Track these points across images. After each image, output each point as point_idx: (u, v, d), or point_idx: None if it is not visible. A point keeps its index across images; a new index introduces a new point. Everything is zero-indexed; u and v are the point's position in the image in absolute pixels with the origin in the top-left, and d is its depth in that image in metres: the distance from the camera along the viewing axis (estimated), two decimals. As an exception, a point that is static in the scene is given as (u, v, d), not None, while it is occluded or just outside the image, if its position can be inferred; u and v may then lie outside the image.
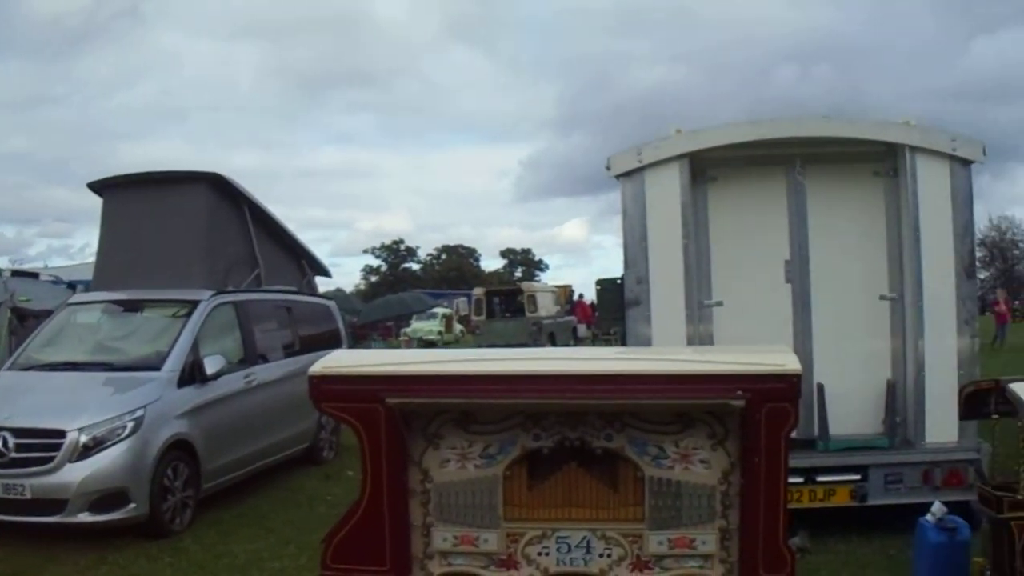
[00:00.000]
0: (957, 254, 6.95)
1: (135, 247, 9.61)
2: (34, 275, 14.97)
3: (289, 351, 10.14)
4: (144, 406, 7.76)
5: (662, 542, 4.59)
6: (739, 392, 4.35)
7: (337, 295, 31.89)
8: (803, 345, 7.36)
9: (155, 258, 9.39)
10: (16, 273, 13.99)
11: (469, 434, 4.80)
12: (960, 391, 5.39)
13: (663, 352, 5.06)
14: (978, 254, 57.74)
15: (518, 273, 75.43)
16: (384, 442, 4.74)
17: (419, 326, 33.03)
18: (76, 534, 7.58)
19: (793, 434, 7.14)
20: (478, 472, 4.78)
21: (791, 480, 6.85)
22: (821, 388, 7.25)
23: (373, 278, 74.26)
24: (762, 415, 4.42)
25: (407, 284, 59.25)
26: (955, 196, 6.96)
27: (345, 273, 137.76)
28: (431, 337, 29.17)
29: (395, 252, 76.61)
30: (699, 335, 7.36)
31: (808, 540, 7.09)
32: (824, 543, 7.04)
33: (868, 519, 7.19)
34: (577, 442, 4.69)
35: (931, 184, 6.93)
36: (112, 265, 9.75)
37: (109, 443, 7.56)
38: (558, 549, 4.71)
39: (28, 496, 7.39)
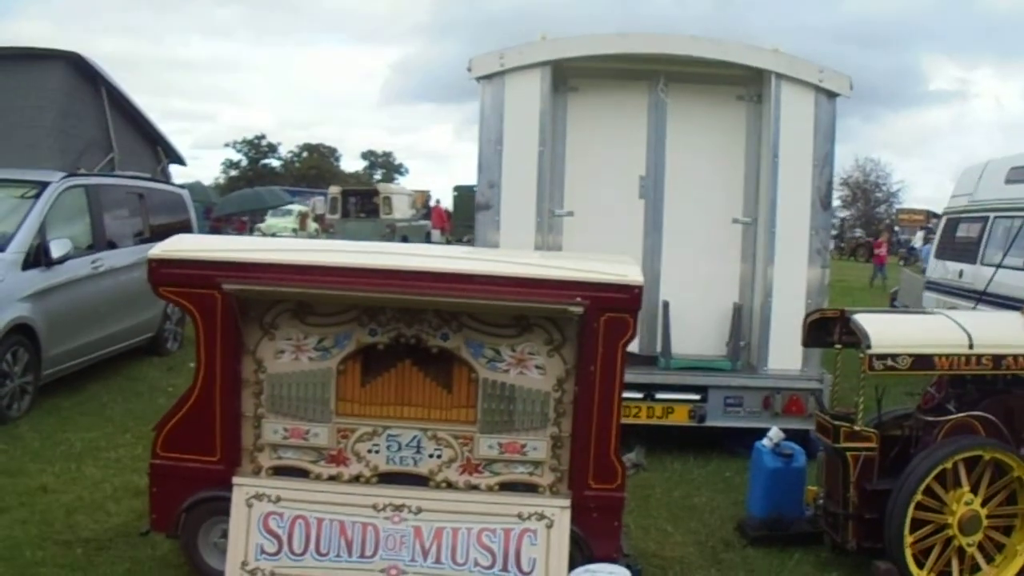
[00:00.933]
0: (814, 184, 7.07)
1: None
2: None
3: (139, 238, 9.73)
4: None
5: (492, 446, 4.60)
6: (578, 299, 4.34)
7: (194, 186, 30.89)
8: (652, 262, 7.45)
9: (6, 136, 8.89)
10: None
11: (305, 326, 4.69)
12: (805, 318, 5.46)
13: (506, 254, 5.01)
14: (841, 193, 58.83)
15: (378, 176, 74.83)
16: (219, 330, 4.62)
17: (274, 222, 32.42)
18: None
19: (636, 349, 7.41)
20: (312, 365, 4.68)
21: (630, 396, 7.05)
22: (666, 306, 7.36)
23: (233, 172, 72.65)
24: (600, 324, 4.43)
25: (266, 180, 58.02)
26: (817, 127, 7.07)
27: (205, 166, 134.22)
28: (286, 234, 28.67)
29: (256, 147, 74.90)
30: (548, 245, 7.36)
31: (644, 456, 7.21)
32: (661, 461, 7.17)
33: (709, 442, 7.35)
34: (413, 340, 4.63)
35: (794, 113, 7.01)
36: None
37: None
38: (388, 447, 4.67)
39: None
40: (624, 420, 7.02)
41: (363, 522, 4.52)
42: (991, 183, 9.76)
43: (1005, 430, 4.96)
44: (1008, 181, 9.44)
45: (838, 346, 5.35)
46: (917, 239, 42.55)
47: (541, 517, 4.47)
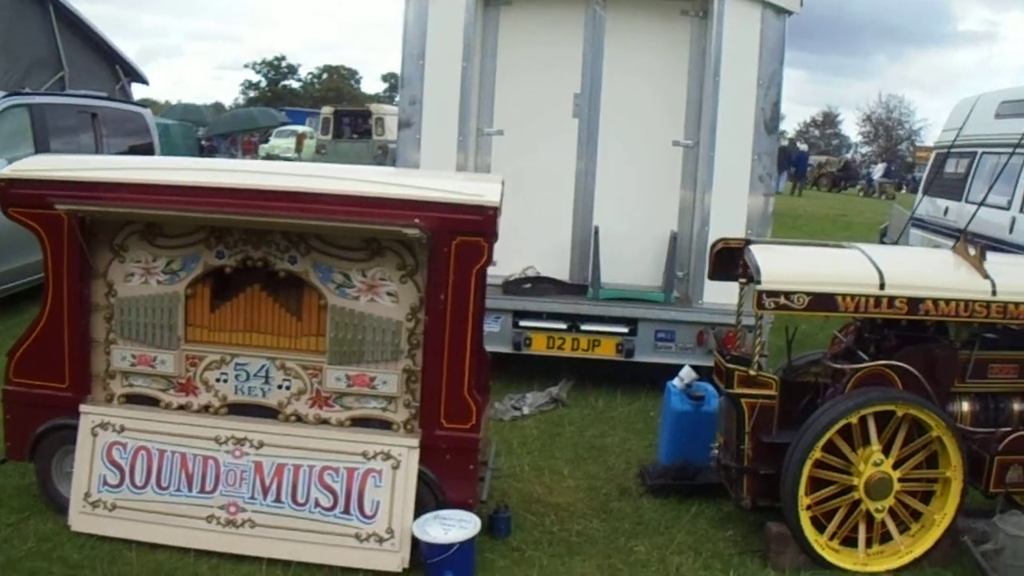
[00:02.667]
0: (759, 106, 6.58)
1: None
2: None
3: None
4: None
5: (340, 378, 4.34)
6: (416, 220, 4.02)
7: (187, 107, 30.71)
8: (585, 185, 7.08)
9: None
10: None
11: (154, 247, 4.46)
12: (711, 247, 5.01)
13: (354, 172, 4.66)
14: (863, 128, 58.05)
15: (398, 98, 74.48)
16: (66, 252, 4.41)
17: (276, 143, 32.17)
18: None
19: (566, 277, 7.07)
20: (160, 288, 4.45)
21: (554, 326, 6.74)
22: (596, 231, 6.98)
23: (252, 93, 72.22)
24: (452, 249, 4.11)
25: (284, 102, 57.71)
26: (764, 45, 6.55)
27: (226, 88, 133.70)
28: (287, 155, 28.39)
29: (276, 69, 74.14)
30: (476, 165, 7.02)
31: (567, 391, 6.94)
32: (584, 397, 6.89)
33: (641, 378, 6.98)
34: (260, 263, 4.36)
35: (738, 28, 6.51)
36: None
37: None
38: (236, 376, 4.44)
39: None
40: (548, 352, 6.90)
41: (204, 455, 4.31)
42: (981, 117, 9.10)
43: (926, 383, 4.38)
44: (998, 116, 8.79)
45: (743, 280, 4.93)
46: (877, 171, 43.45)
47: (387, 457, 4.22)
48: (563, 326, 6.80)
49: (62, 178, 4.41)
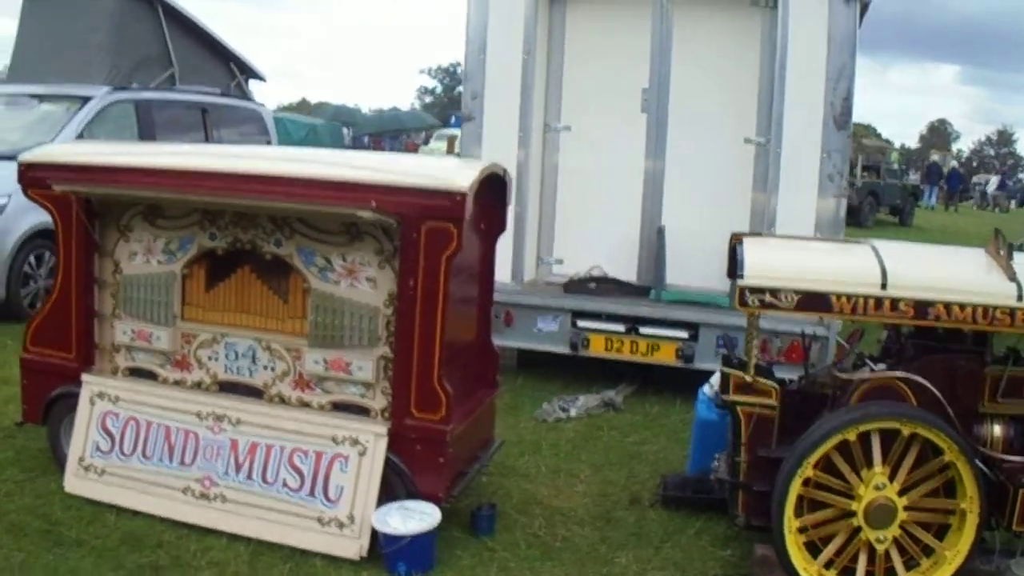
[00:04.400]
0: (827, 101, 6.16)
1: (48, 42, 9.57)
2: None
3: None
4: (9, 195, 7.69)
5: (319, 362, 4.33)
6: (373, 203, 3.95)
7: (339, 108, 31.63)
8: (653, 183, 6.81)
9: (59, 56, 9.31)
10: None
11: (155, 228, 4.60)
12: (729, 243, 4.65)
13: (334, 157, 4.64)
14: None
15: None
16: (74, 230, 4.62)
17: (436, 145, 32.88)
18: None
19: (633, 278, 6.81)
20: (159, 268, 4.60)
21: (612, 328, 6.52)
22: (661, 231, 6.71)
23: (428, 99, 73.67)
24: (421, 234, 4.03)
25: (457, 107, 58.73)
26: (832, 35, 6.11)
27: (400, 91, 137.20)
28: (439, 155, 29.26)
29: (451, 75, 75.38)
30: (543, 161, 6.93)
31: (624, 396, 6.69)
32: (641, 403, 6.61)
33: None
34: (248, 245, 4.41)
35: (804, 18, 6.11)
36: (26, 59, 9.80)
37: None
38: (226, 355, 4.52)
39: None
40: (606, 354, 6.68)
41: (186, 429, 4.40)
42: None
43: (944, 401, 3.89)
44: None
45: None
46: (991, 184, 40.54)
47: (355, 443, 4.17)
48: (622, 328, 6.58)
49: (66, 162, 4.67)
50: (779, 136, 6.26)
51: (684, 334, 6.49)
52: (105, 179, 4.43)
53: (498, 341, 6.83)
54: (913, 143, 72.54)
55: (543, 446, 5.69)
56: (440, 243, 4.02)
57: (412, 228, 4.03)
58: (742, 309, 3.95)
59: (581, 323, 6.69)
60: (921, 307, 3.79)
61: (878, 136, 47.72)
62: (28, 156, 4.76)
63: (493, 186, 4.59)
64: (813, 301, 3.86)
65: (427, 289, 4.06)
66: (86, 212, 4.58)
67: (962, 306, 3.77)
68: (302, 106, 53.67)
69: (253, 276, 4.46)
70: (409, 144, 30.98)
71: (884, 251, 4.05)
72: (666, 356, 6.55)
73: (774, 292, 3.86)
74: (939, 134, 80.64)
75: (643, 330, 6.55)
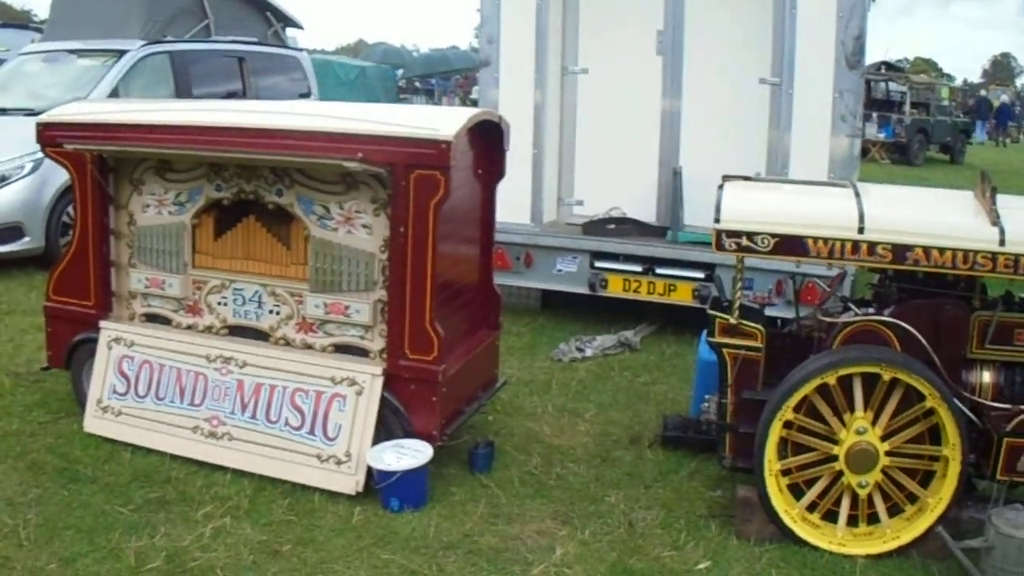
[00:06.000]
0: (839, 39, 6.09)
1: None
2: (23, 26, 15.17)
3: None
4: (46, 149, 7.99)
5: (319, 306, 4.50)
6: (359, 154, 4.08)
7: (387, 49, 31.53)
8: (670, 125, 6.83)
9: (99, 9, 9.53)
10: (5, 25, 14.19)
11: (166, 182, 4.80)
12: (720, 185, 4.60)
13: (326, 108, 4.76)
14: None
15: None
16: (89, 185, 4.83)
17: None
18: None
19: (652, 219, 6.85)
20: (170, 219, 4.79)
21: (629, 268, 6.60)
22: (678, 173, 6.73)
23: None
24: (410, 182, 4.15)
25: None
26: None
27: (458, 30, 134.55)
28: None
29: None
30: (561, 104, 6.98)
31: (641, 337, 6.78)
32: (658, 344, 6.70)
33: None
34: (252, 196, 4.57)
35: None
36: (64, 16, 10.06)
37: (8, 181, 8.04)
38: (234, 300, 4.72)
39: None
40: (624, 295, 6.77)
41: (196, 371, 4.61)
42: None
43: (928, 346, 3.87)
44: None
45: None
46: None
47: (352, 383, 4.34)
48: (639, 269, 6.66)
49: (77, 121, 4.87)
50: (791, 76, 6.23)
51: (700, 275, 6.54)
52: (112, 136, 4.63)
53: (518, 282, 7.06)
54: (976, 78, 70.07)
55: (553, 386, 5.82)
56: (428, 191, 4.13)
57: (400, 177, 4.14)
58: (719, 252, 3.99)
59: (599, 264, 6.80)
60: (899, 251, 3.78)
61: (939, 71, 46.14)
62: (44, 117, 5.00)
63: (489, 133, 4.68)
64: (789, 245, 3.88)
65: (417, 235, 4.19)
66: (100, 168, 4.79)
67: (941, 250, 3.75)
68: (359, 47, 53.64)
69: (258, 225, 4.63)
70: (462, 83, 30.88)
71: (865, 194, 4.05)
72: (683, 297, 6.63)
73: (751, 235, 3.89)
74: (1002, 68, 77.90)
75: (660, 271, 6.63)
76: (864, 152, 18.93)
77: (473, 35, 73.25)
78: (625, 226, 6.96)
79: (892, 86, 25.43)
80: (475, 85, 32.72)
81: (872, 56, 23.01)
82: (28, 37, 12.01)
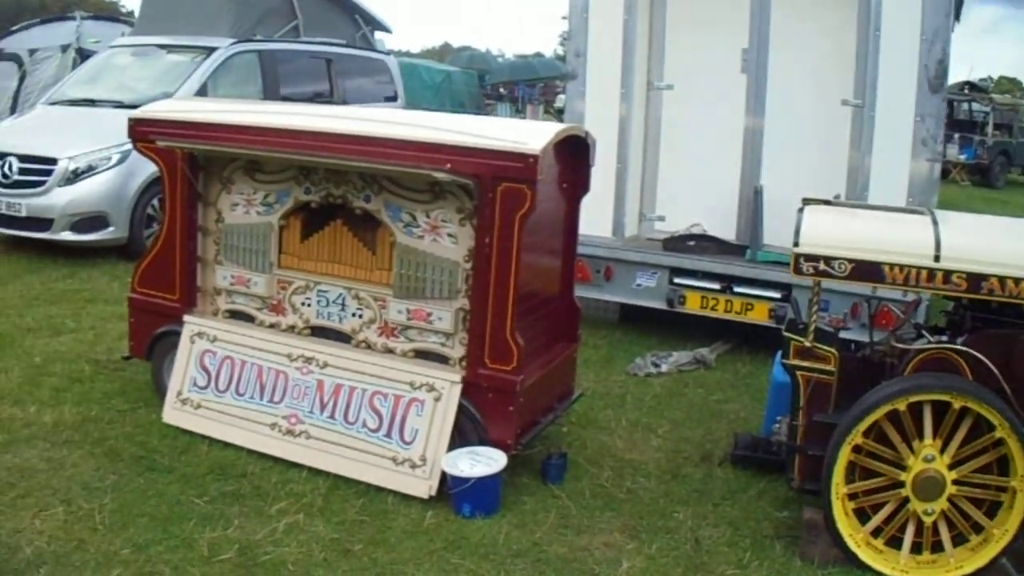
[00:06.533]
0: (922, 62, 6.03)
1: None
2: (113, 19, 15.50)
3: (323, 102, 10.20)
4: (133, 142, 8.24)
5: (402, 311, 4.57)
6: (448, 165, 4.15)
7: (474, 54, 31.66)
8: (752, 142, 6.80)
9: (189, 5, 9.77)
10: (96, 17, 14.54)
11: (255, 182, 4.91)
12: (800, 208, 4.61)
13: (420, 119, 4.80)
14: None
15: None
16: (179, 182, 4.98)
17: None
18: (62, 250, 8.44)
19: (732, 237, 6.83)
20: (258, 219, 4.90)
21: (707, 286, 6.62)
22: (759, 191, 6.70)
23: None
24: (496, 195, 4.21)
25: None
26: None
27: (543, 38, 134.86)
28: None
29: None
30: (646, 119, 7.02)
31: (718, 354, 6.76)
32: (733, 362, 6.68)
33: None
34: (340, 200, 4.67)
35: None
36: (154, 11, 10.29)
37: (95, 172, 8.27)
38: (318, 302, 4.81)
39: (24, 214, 8.35)
40: (701, 312, 6.79)
41: (277, 369, 4.72)
42: None
43: (1000, 376, 3.82)
44: None
45: None
46: None
47: (431, 389, 4.41)
48: (717, 286, 6.67)
49: (169, 118, 5.00)
50: (873, 99, 6.19)
51: (777, 295, 6.52)
52: (204, 135, 4.75)
53: (597, 295, 7.11)
54: (1071, 99, 68.20)
55: (628, 400, 5.84)
56: (514, 203, 4.18)
57: (487, 188, 4.20)
58: (796, 276, 4.00)
59: (678, 280, 6.82)
60: (974, 280, 3.76)
61: (1024, 91, 44.92)
62: (136, 112, 5.13)
63: (575, 147, 4.72)
64: (866, 270, 3.88)
65: (502, 246, 4.24)
66: (190, 165, 4.92)
67: (1017, 280, 3.74)
68: (444, 50, 54.11)
69: (344, 229, 4.72)
70: (545, 90, 30.99)
71: (943, 222, 4.06)
72: (759, 316, 6.62)
73: (828, 260, 3.90)
74: (1102, 88, 75.70)
75: (738, 289, 6.63)
76: (944, 173, 18.51)
77: (558, 42, 73.48)
78: (705, 243, 6.97)
79: (975, 106, 24.93)
80: (558, 93, 32.93)
81: (955, 76, 22.56)
82: (118, 30, 12.30)
